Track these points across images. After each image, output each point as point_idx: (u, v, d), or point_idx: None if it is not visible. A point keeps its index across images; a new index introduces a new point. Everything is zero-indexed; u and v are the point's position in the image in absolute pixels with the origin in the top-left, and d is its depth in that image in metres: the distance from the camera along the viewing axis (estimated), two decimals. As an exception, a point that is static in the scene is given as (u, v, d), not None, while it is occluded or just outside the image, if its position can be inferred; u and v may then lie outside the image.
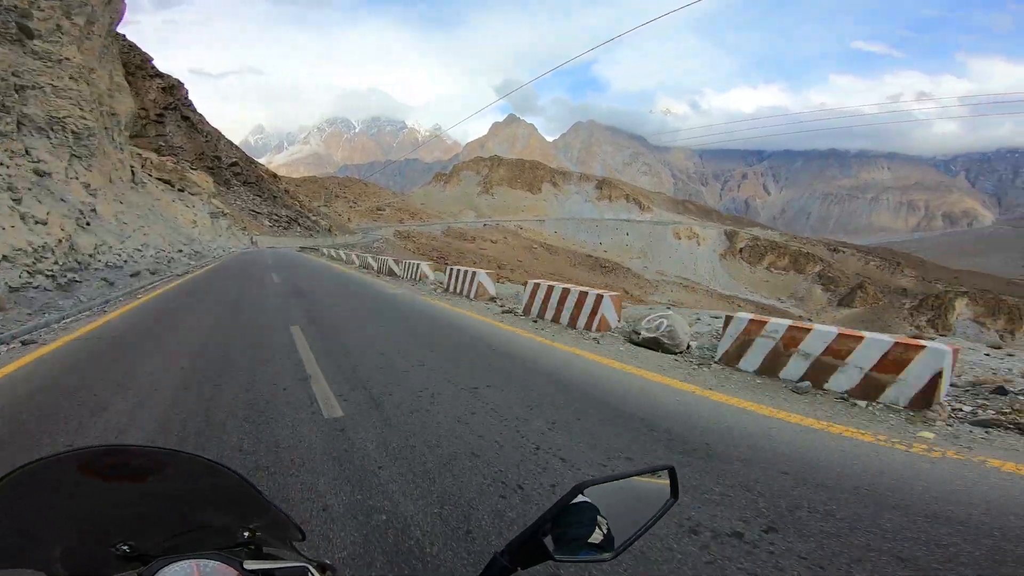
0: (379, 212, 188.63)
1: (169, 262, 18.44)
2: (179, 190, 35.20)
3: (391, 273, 19.47)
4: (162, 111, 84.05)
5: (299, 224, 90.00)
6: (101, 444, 0.77)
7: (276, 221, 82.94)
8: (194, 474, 0.81)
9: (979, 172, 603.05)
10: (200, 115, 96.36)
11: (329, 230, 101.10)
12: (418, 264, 17.03)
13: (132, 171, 26.99)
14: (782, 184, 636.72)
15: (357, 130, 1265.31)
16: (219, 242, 38.91)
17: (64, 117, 14.97)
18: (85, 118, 16.08)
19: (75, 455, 0.75)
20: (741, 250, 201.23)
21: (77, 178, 14.83)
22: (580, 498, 0.75)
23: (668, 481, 0.82)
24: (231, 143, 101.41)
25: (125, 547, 0.76)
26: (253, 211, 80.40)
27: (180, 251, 23.94)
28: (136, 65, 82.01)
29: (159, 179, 34.16)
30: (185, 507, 0.82)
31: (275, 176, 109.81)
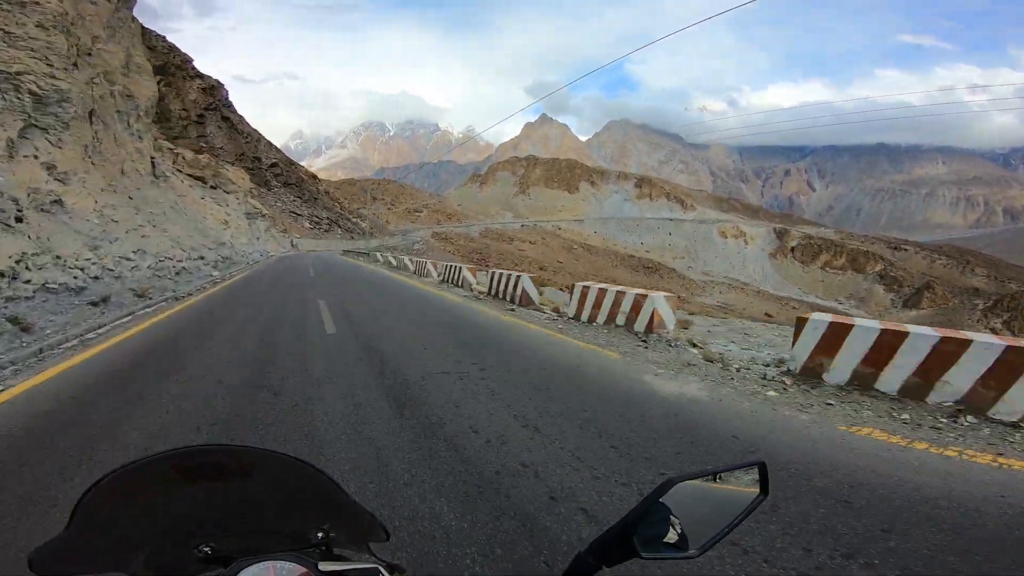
0: (416, 214, 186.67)
1: (178, 274, 13.68)
2: (211, 187, 31.07)
3: (525, 302, 11.17)
4: (203, 112, 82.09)
5: (339, 226, 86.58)
6: (195, 444, 0.76)
7: (317, 223, 79.57)
8: (280, 473, 0.81)
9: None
10: (240, 116, 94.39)
11: (370, 232, 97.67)
12: (649, 298, 7.95)
13: (153, 163, 22.56)
14: (828, 180, 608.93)
15: (391, 133, 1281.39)
16: (256, 245, 34.71)
17: (18, 73, 10.24)
18: (56, 79, 11.31)
19: (170, 456, 0.75)
20: (793, 249, 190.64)
21: (36, 156, 10.10)
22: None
23: (756, 477, 0.81)
24: (271, 144, 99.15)
25: (207, 548, 0.76)
26: (293, 213, 77.22)
27: (202, 258, 19.30)
28: (176, 65, 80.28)
29: (190, 175, 30.14)
30: (266, 507, 0.82)
31: (315, 177, 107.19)
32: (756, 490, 0.79)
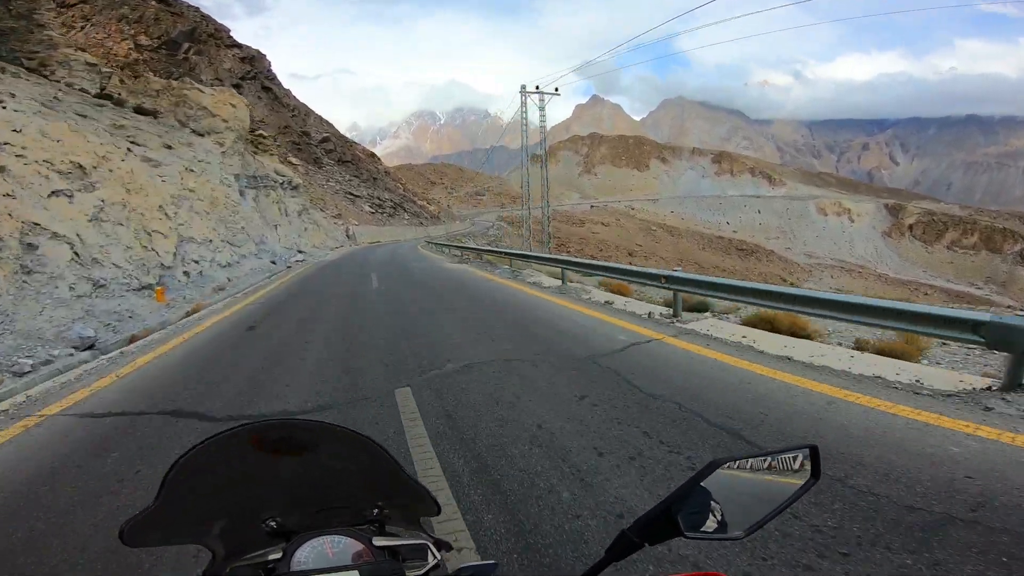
0: (478, 197, 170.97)
1: None
2: (153, 115, 13.67)
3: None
4: (239, 81, 66.71)
5: (405, 210, 69.57)
6: (273, 418, 0.70)
7: (379, 206, 62.58)
8: (344, 449, 0.81)
9: None
10: (286, 89, 78.57)
11: (437, 216, 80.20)
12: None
13: None
14: (912, 154, 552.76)
15: (442, 122, 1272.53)
16: (271, 244, 17.29)
17: None
18: None
19: (250, 429, 0.75)
20: (911, 227, 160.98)
21: None
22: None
23: (808, 461, 0.76)
24: (321, 119, 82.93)
25: (273, 523, 0.77)
26: (350, 194, 60.45)
27: None
28: (209, 34, 66.26)
29: (108, 97, 12.96)
30: (330, 483, 0.83)
31: (373, 156, 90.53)
32: (806, 474, 0.76)
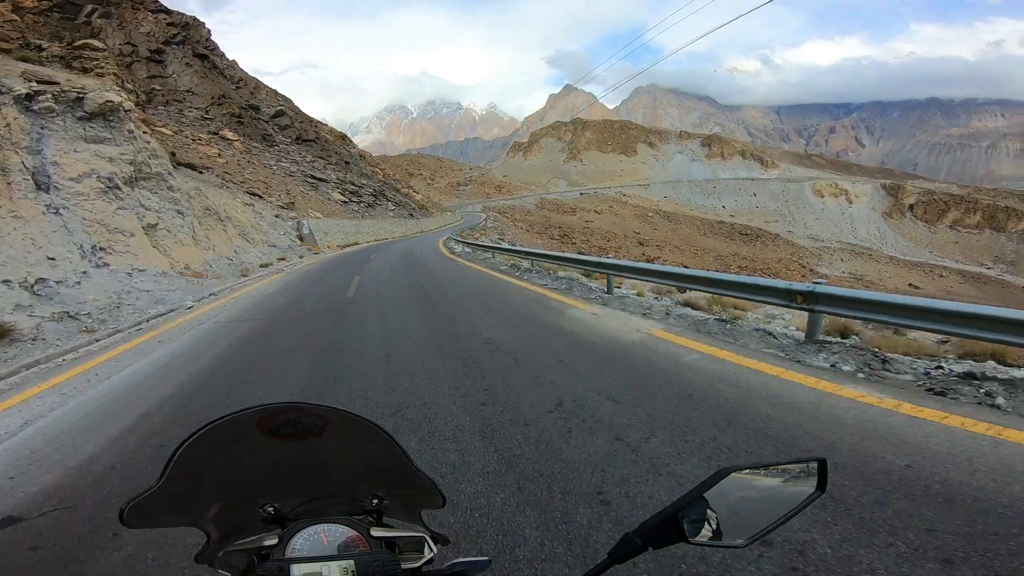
0: (461, 188, 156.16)
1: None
2: None
3: None
4: (160, 47, 50.02)
5: (387, 199, 54.05)
6: (283, 401, 0.75)
7: (354, 194, 46.82)
8: (350, 435, 0.78)
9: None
10: (231, 60, 61.54)
11: (425, 207, 64.62)
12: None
13: None
14: (878, 136, 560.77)
15: (414, 115, 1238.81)
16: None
17: None
18: None
19: (259, 412, 0.73)
20: (912, 207, 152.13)
21: None
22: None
23: (815, 473, 0.75)
24: (276, 92, 65.93)
25: (271, 508, 0.75)
26: (312, 177, 44.50)
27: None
28: None
29: None
30: (332, 471, 0.81)
31: (345, 138, 73.97)
32: (812, 485, 0.74)
